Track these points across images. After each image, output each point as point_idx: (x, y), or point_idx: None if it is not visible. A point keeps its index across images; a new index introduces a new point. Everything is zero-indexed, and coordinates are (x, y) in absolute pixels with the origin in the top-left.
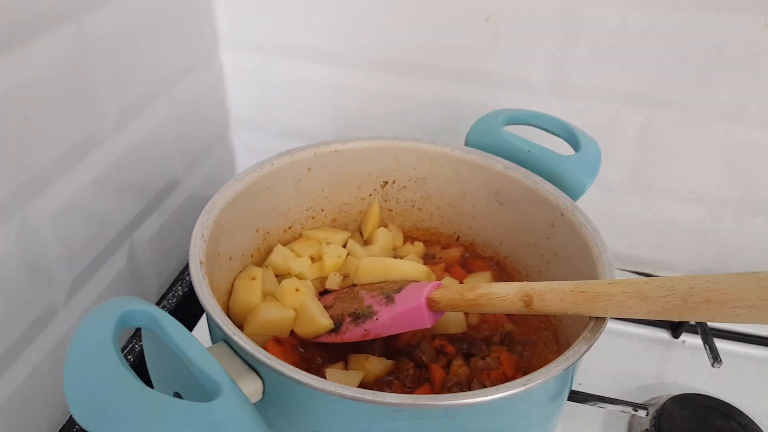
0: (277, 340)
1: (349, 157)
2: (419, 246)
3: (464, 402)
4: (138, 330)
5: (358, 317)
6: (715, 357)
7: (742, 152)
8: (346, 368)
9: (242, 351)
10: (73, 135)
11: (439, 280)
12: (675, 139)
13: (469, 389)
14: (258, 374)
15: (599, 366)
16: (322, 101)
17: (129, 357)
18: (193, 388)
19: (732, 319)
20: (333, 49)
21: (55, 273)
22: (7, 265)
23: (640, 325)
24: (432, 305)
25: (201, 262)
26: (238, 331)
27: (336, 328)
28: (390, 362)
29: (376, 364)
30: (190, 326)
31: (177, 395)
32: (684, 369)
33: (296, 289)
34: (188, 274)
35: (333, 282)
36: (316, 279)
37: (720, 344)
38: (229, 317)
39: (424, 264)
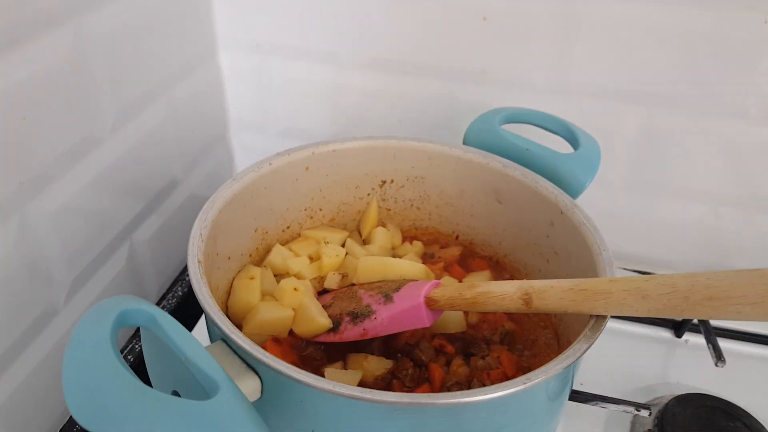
0: (276, 340)
1: (347, 157)
2: (418, 245)
3: (463, 401)
4: (138, 331)
5: (356, 316)
6: (719, 356)
7: (743, 150)
8: (344, 368)
9: (240, 350)
10: (73, 135)
11: (438, 279)
12: (675, 136)
13: (469, 389)
14: (256, 373)
15: (602, 366)
16: (321, 101)
17: (129, 357)
18: (191, 387)
19: (734, 316)
20: (332, 49)
21: (54, 273)
22: (7, 265)
23: (642, 324)
24: (431, 304)
25: (199, 262)
26: (236, 329)
27: (335, 328)
28: (389, 362)
29: (375, 364)
30: (190, 327)
31: (175, 394)
32: (687, 369)
33: (295, 289)
34: (188, 275)
35: (331, 281)
36: (315, 278)
37: (723, 344)
38: (228, 317)
39: (423, 263)
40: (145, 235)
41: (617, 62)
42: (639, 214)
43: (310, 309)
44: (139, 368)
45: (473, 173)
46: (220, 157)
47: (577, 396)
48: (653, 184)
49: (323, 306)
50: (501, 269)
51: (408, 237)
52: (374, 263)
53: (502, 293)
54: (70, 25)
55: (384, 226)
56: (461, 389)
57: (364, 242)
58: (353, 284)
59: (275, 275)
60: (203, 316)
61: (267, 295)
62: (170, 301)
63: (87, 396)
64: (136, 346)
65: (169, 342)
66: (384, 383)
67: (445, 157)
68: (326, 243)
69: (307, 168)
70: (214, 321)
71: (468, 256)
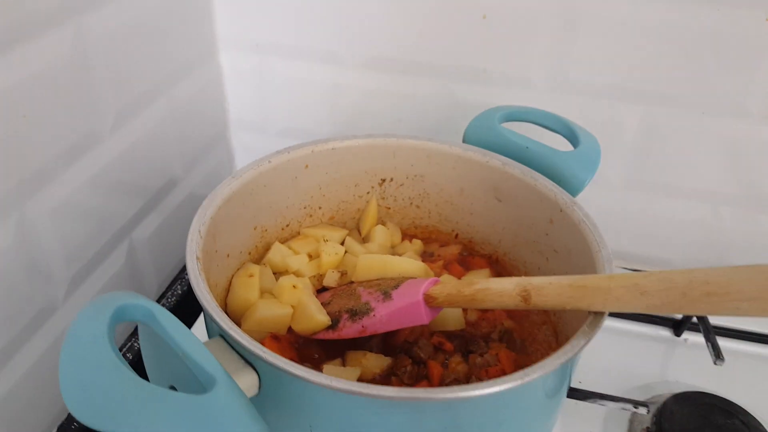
0: (275, 337)
1: (347, 155)
2: (417, 244)
3: (461, 395)
4: (137, 329)
5: (355, 314)
6: (718, 355)
7: (744, 148)
8: (343, 365)
9: (238, 345)
10: (72, 134)
11: (438, 277)
12: (675, 135)
13: None
14: (254, 369)
15: (600, 364)
16: (321, 101)
17: (128, 355)
18: (189, 382)
19: (733, 312)
20: (331, 48)
21: (53, 270)
22: (6, 262)
23: (641, 323)
24: (429, 301)
25: (198, 258)
26: (233, 325)
27: (333, 325)
28: (388, 359)
29: (374, 361)
30: (189, 325)
31: (172, 389)
32: (686, 367)
33: (294, 286)
34: (187, 273)
35: (330, 279)
36: (314, 276)
37: (722, 342)
38: (227, 314)
39: (423, 262)
40: (145, 233)
41: (617, 60)
42: (639, 212)
43: (309, 306)
44: (137, 366)
45: (473, 171)
46: (220, 157)
47: (575, 393)
48: (653, 183)
49: (322, 303)
50: (500, 267)
51: (407, 235)
52: (373, 261)
53: (501, 290)
54: (70, 25)
55: (383, 224)
56: None
57: (364, 240)
58: (352, 282)
59: (274, 273)
60: (202, 314)
61: (266, 293)
62: (170, 300)
63: (84, 391)
64: (135, 345)
65: (167, 337)
66: (383, 380)
67: (445, 155)
68: (325, 241)
69: (307, 166)
70: (212, 316)
71: (467, 255)
